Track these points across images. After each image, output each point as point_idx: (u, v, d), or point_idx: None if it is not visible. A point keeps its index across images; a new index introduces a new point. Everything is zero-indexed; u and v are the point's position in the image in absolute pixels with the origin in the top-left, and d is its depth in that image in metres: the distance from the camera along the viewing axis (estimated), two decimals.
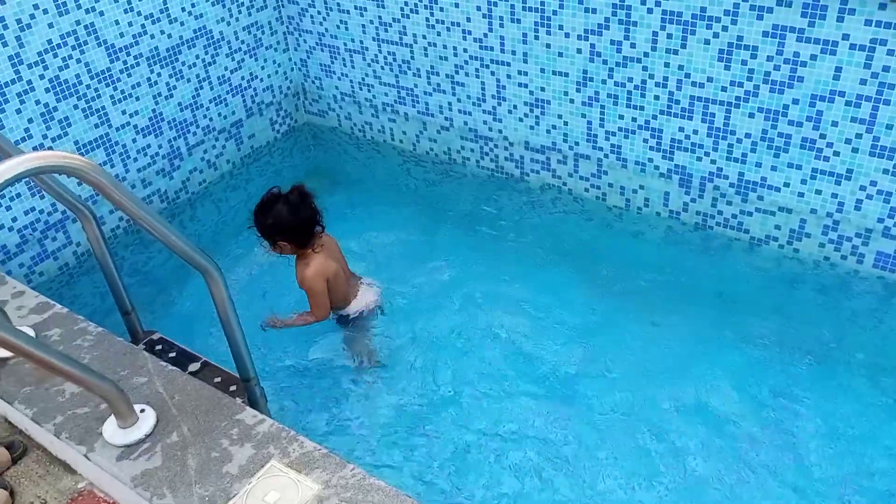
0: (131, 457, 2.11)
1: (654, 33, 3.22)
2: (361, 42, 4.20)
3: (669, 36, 3.19)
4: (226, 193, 4.26)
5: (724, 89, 3.19)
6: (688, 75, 3.24)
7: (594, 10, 3.32)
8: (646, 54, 3.30)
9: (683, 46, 3.18)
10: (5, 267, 3.37)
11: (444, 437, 2.80)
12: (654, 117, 3.44)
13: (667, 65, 3.27)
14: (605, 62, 3.43)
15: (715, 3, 3.02)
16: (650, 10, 3.18)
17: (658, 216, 3.70)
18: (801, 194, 3.23)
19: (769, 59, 3.02)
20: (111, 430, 2.18)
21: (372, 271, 3.56)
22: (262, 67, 4.38)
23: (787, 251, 3.40)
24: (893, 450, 2.61)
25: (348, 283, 3.08)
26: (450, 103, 4.09)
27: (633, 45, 3.31)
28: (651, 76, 3.34)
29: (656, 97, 3.38)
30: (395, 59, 4.14)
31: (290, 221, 2.83)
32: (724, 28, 3.06)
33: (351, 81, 4.42)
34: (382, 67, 4.22)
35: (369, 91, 4.38)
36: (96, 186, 1.89)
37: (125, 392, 2.16)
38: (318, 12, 4.26)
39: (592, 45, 3.42)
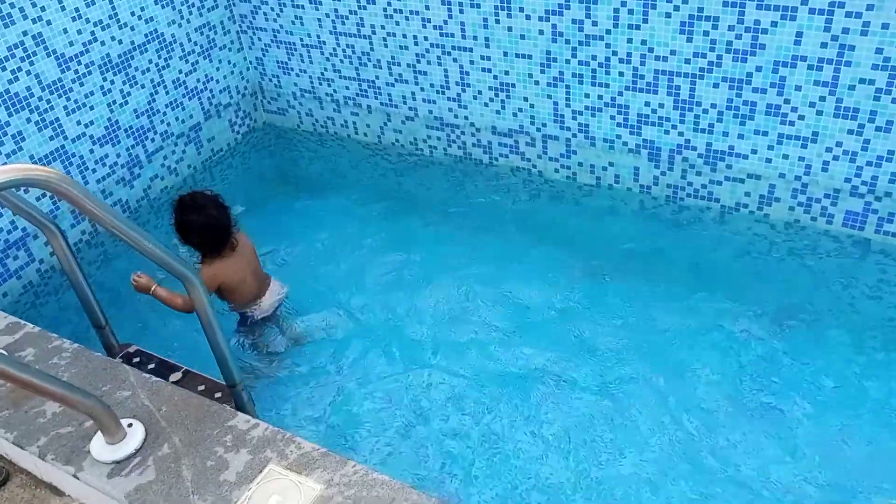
0: (123, 473, 2.04)
1: (615, 10, 3.23)
2: (318, 36, 4.13)
3: (631, 11, 3.20)
4: None
5: (687, 61, 3.21)
6: (651, 49, 3.26)
7: None
8: (608, 31, 3.30)
9: (645, 21, 3.19)
10: None
11: (427, 428, 2.77)
12: (620, 94, 3.45)
13: (629, 40, 3.28)
14: (567, 42, 3.43)
15: None
16: None
17: (629, 191, 3.72)
18: (768, 160, 3.27)
19: (730, 28, 3.05)
20: (99, 448, 2.11)
21: (345, 269, 3.54)
22: (217, 68, 4.28)
23: (758, 216, 3.45)
24: (877, 403, 2.67)
25: (259, 284, 3.03)
26: (413, 93, 4.05)
27: (594, 23, 3.31)
28: (615, 53, 3.35)
29: (621, 73, 3.39)
30: (354, 52, 4.08)
31: (202, 233, 2.78)
32: (685, 0, 3.08)
33: (310, 77, 4.35)
34: (342, 61, 4.16)
35: (329, 86, 4.32)
36: (67, 198, 1.81)
37: (110, 407, 2.09)
38: (272, 9, 4.17)
39: (554, 26, 3.41)
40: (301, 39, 4.21)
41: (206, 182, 4.26)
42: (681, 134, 3.42)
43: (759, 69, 3.09)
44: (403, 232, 3.74)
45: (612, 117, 3.53)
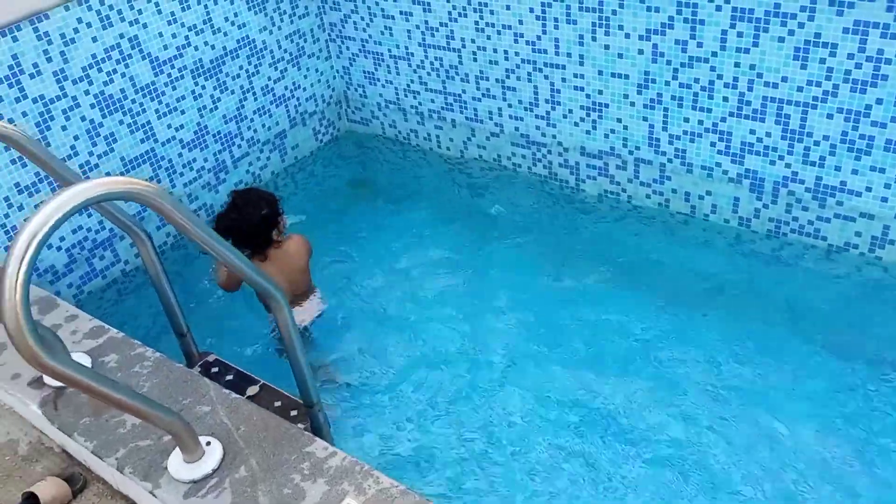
0: (199, 493, 1.99)
1: (723, 31, 3.05)
2: (407, 48, 4.08)
3: (740, 34, 3.02)
4: None
5: (799, 89, 3.01)
6: (760, 75, 3.07)
7: (657, 9, 3.16)
8: (714, 54, 3.13)
9: (755, 45, 3.01)
10: (54, 287, 3.29)
11: (505, 461, 2.65)
12: (723, 119, 3.26)
13: (737, 64, 3.10)
14: (668, 63, 3.26)
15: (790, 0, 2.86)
16: (719, 8, 3.01)
17: (726, 223, 3.53)
18: (884, 199, 3.04)
19: (850, 56, 2.84)
20: (176, 465, 2.07)
21: (418, 282, 3.47)
22: (305, 76, 4.27)
23: (870, 258, 3.20)
24: None
25: (291, 295, 3.02)
26: (500, 109, 3.95)
27: (699, 45, 3.14)
28: (720, 77, 3.17)
29: (725, 99, 3.21)
30: (441, 65, 4.01)
31: (228, 233, 2.87)
32: (801, 25, 2.88)
33: (396, 88, 4.30)
34: (429, 73, 4.09)
35: (415, 98, 4.25)
36: (161, 212, 1.78)
37: (190, 425, 2.05)
38: (362, 18, 4.14)
39: (655, 46, 3.26)
40: (389, 50, 4.16)
41: (288, 189, 4.26)
42: (788, 165, 3.21)
43: (879, 101, 2.86)
44: (480, 250, 3.64)
45: (713, 144, 3.35)
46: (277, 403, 2.60)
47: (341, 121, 4.65)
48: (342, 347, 3.19)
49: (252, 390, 2.66)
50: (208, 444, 2.11)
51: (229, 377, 2.71)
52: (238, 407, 2.27)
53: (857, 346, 2.88)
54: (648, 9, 3.18)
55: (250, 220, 2.85)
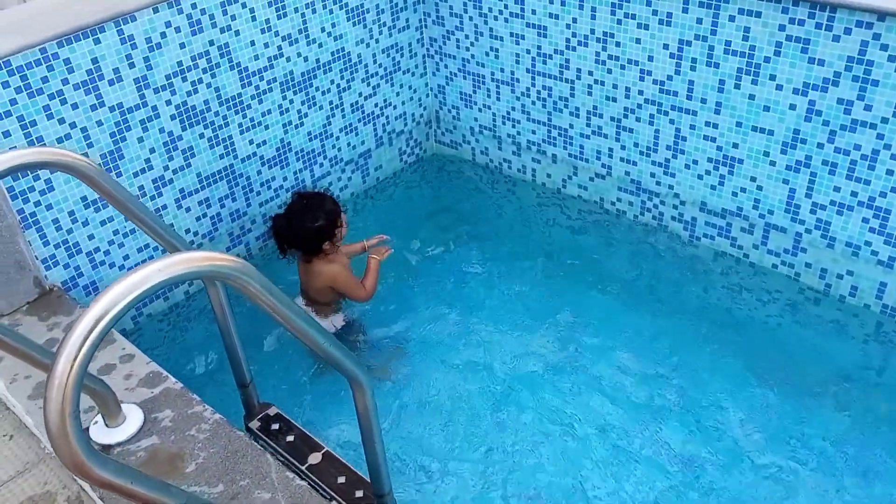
0: None
1: None
2: (513, 73, 3.70)
3: None
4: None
5: None
6: None
7: (821, 62, 2.71)
8: (884, 120, 2.67)
9: None
10: None
11: None
12: (883, 195, 2.80)
13: None
14: (825, 123, 2.81)
15: None
16: None
17: (866, 308, 3.05)
18: None
19: None
20: None
21: (487, 321, 3.18)
22: (398, 93, 3.93)
23: None
24: None
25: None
26: (611, 149, 3.54)
27: (868, 108, 2.68)
28: (887, 147, 2.70)
29: (890, 171, 2.74)
30: (550, 95, 3.61)
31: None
32: None
33: (494, 114, 3.93)
34: (534, 102, 3.71)
35: (514, 126, 3.87)
36: (246, 292, 1.46)
37: None
38: (466, 36, 3.78)
39: (812, 102, 2.80)
40: (492, 73, 3.78)
41: (366, 210, 3.93)
42: None
43: None
44: (564, 297, 3.28)
45: (866, 220, 2.88)
46: (341, 479, 2.27)
47: (429, 141, 4.30)
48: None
49: (315, 458, 2.34)
50: None
51: (290, 438, 2.40)
52: (301, 497, 1.95)
53: None
54: (810, 60, 2.73)
55: (301, 231, 2.80)
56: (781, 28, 2.76)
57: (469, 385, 2.91)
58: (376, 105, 3.84)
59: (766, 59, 2.84)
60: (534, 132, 3.81)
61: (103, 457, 1.31)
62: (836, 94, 2.74)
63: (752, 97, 2.95)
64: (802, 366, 2.90)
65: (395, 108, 3.96)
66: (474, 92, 3.94)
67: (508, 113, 3.86)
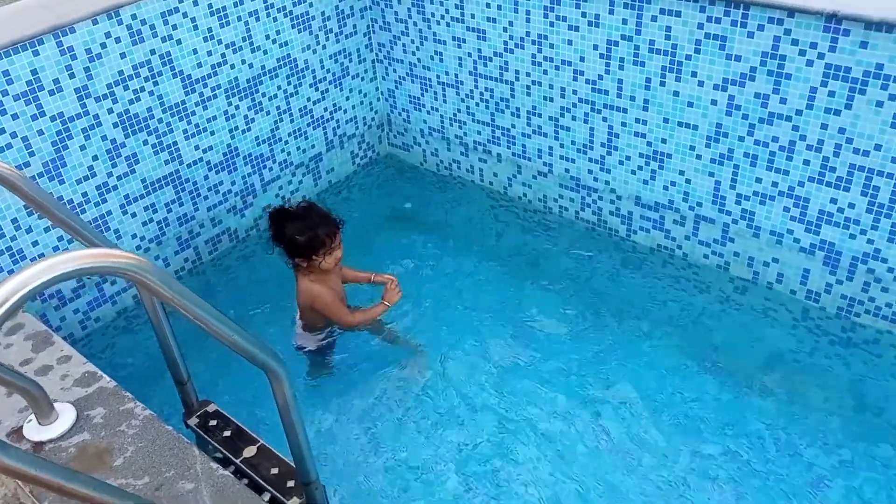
0: None
1: (812, 89, 2.71)
2: (457, 76, 3.80)
3: (832, 94, 2.67)
4: None
5: (894, 161, 2.64)
6: (849, 140, 2.71)
7: (738, 58, 2.83)
8: (798, 112, 2.78)
9: (848, 107, 2.65)
10: (59, 313, 3.10)
11: None
12: (801, 184, 2.91)
13: (824, 126, 2.74)
14: (745, 117, 2.92)
15: None
16: (810, 63, 2.66)
17: (792, 295, 3.17)
18: None
19: None
20: None
21: (445, 321, 3.23)
22: (347, 98, 4.03)
23: None
24: None
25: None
26: (551, 147, 3.65)
27: (783, 101, 2.80)
28: (802, 138, 2.82)
29: (806, 162, 2.85)
30: (492, 97, 3.72)
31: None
32: None
33: (441, 116, 4.03)
34: (477, 104, 3.81)
35: (460, 128, 3.97)
36: (149, 289, 1.54)
37: None
38: (412, 41, 3.88)
39: (732, 97, 2.92)
40: (437, 76, 3.89)
41: None
42: (870, 241, 2.84)
43: None
44: (513, 293, 3.36)
45: (787, 209, 2.99)
46: (274, 471, 2.35)
47: (381, 144, 4.40)
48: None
49: (249, 451, 2.41)
50: None
51: (227, 433, 2.47)
52: (224, 487, 2.03)
53: None
54: (728, 57, 2.84)
55: (279, 233, 2.82)
56: (700, 26, 2.87)
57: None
58: (325, 109, 3.93)
59: (688, 57, 2.95)
60: (479, 133, 3.91)
61: (4, 443, 1.38)
62: (753, 88, 2.85)
63: (676, 94, 3.06)
64: (737, 354, 2.99)
65: (345, 111, 4.05)
66: (422, 95, 4.04)
67: (455, 115, 3.96)
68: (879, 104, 2.59)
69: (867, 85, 2.58)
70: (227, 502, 1.98)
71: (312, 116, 3.87)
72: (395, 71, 4.08)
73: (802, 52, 2.67)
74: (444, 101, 3.95)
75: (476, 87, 3.76)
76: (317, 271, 2.84)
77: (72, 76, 2.85)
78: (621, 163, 3.42)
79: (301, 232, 2.76)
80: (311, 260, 2.80)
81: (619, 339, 3.10)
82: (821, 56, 2.63)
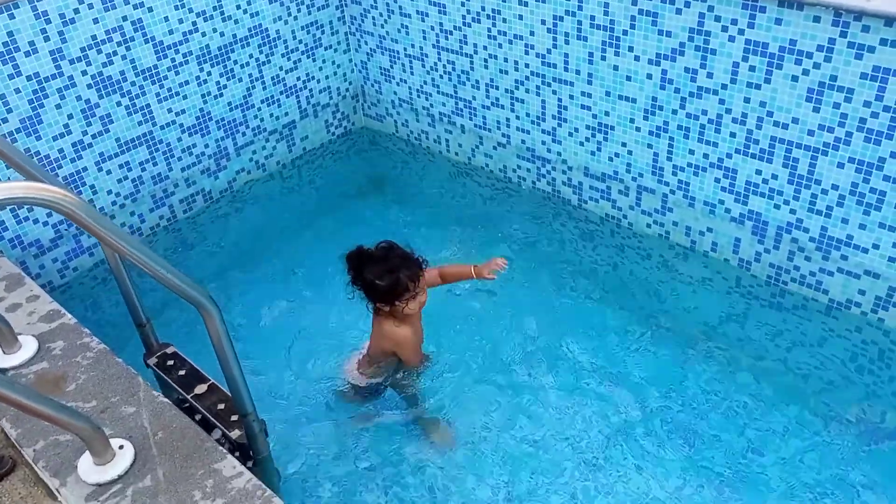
0: (100, 498, 1.98)
1: (735, 64, 2.86)
2: (421, 48, 3.98)
3: (752, 68, 2.82)
4: (273, 194, 4.13)
5: (810, 133, 2.80)
6: (770, 114, 2.86)
7: (668, 34, 2.98)
8: (724, 86, 2.93)
9: (767, 81, 2.80)
10: (38, 261, 3.34)
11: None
12: (729, 156, 3.07)
13: (746, 100, 2.90)
14: (677, 91, 3.08)
15: (807, 37, 2.64)
16: (732, 39, 2.81)
17: (726, 263, 3.33)
18: (892, 259, 2.80)
19: (866, 104, 2.62)
20: (86, 466, 2.06)
21: None
22: (321, 68, 4.22)
23: (871, 319, 2.98)
24: None
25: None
26: (508, 119, 3.82)
27: (710, 75, 2.95)
28: (728, 111, 2.97)
29: (732, 134, 3.01)
30: (454, 69, 3.89)
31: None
32: (816, 65, 2.67)
33: (409, 88, 4.21)
34: (441, 76, 3.99)
35: (427, 99, 4.16)
36: (77, 222, 1.74)
37: (102, 430, 2.03)
38: (381, 14, 4.05)
39: (665, 72, 3.07)
40: (405, 49, 4.06)
41: (293, 180, 4.23)
42: (793, 212, 3.00)
43: (894, 155, 2.63)
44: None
45: (717, 180, 3.15)
46: (221, 406, 2.56)
47: (357, 115, 4.59)
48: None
49: (200, 388, 2.62)
50: (121, 447, 2.09)
51: (181, 372, 2.69)
52: (162, 412, 2.25)
53: (848, 410, 2.69)
54: (660, 32, 3.00)
55: (359, 275, 2.60)
56: (634, 2, 3.02)
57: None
58: (298, 79, 4.12)
59: (625, 32, 3.11)
60: (444, 104, 4.09)
61: None
62: (683, 63, 3.00)
63: (616, 68, 3.22)
64: (679, 319, 3.15)
65: (318, 81, 4.24)
66: (391, 67, 4.22)
67: (421, 87, 4.14)
68: (794, 78, 2.73)
69: (783, 60, 2.73)
70: (163, 423, 2.20)
71: (285, 85, 4.07)
72: (366, 43, 4.26)
73: (725, 28, 2.82)
74: (412, 73, 4.13)
75: (439, 59, 3.93)
76: (400, 316, 2.64)
77: (46, 39, 3.07)
78: (570, 134, 3.58)
79: (381, 276, 2.52)
80: (394, 305, 2.59)
81: (573, 302, 3.25)
82: (741, 32, 2.78)
